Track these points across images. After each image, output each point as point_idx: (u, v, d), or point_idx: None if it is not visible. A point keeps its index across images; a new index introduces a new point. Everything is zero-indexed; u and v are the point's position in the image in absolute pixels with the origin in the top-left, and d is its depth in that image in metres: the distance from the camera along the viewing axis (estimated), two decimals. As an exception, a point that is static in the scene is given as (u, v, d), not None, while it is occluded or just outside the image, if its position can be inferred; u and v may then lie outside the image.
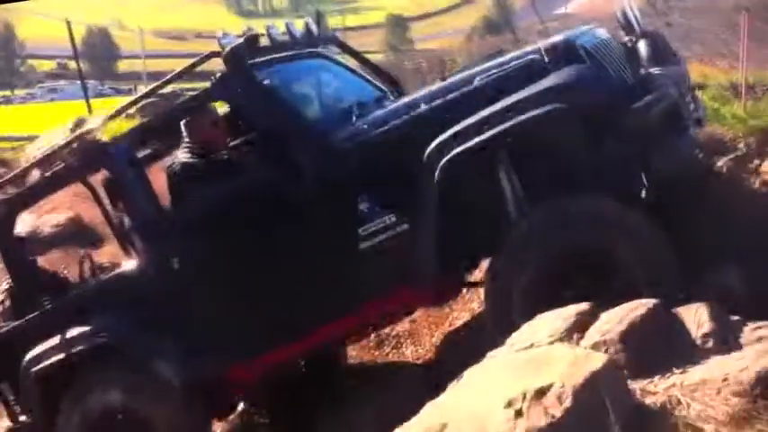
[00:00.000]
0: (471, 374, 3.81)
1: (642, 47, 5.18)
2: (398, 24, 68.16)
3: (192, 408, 5.25)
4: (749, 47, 8.06)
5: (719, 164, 5.75)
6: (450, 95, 4.99)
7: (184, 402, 5.20)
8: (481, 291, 7.13)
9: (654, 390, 3.42)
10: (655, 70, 5.00)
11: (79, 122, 16.04)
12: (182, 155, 5.42)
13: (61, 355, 5.28)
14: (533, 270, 4.62)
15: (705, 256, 4.89)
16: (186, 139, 5.47)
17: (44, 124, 21.52)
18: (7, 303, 5.79)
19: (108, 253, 10.19)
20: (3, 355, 5.55)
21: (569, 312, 4.09)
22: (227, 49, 5.10)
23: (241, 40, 5.17)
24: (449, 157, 4.63)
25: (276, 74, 5.47)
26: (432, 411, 3.62)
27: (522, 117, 4.55)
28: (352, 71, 6.33)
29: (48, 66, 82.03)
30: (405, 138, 4.93)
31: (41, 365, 5.31)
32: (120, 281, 5.50)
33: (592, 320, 3.98)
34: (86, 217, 11.22)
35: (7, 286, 5.89)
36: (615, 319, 3.86)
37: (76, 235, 10.49)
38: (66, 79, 64.47)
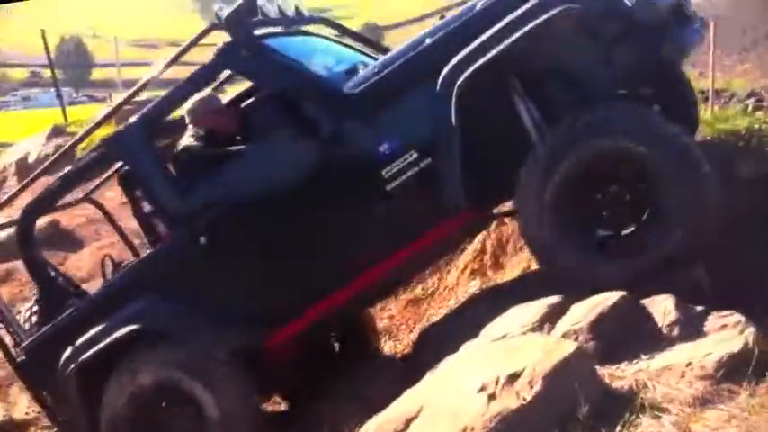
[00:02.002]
0: (447, 364, 3.95)
1: None
2: (373, 33, 68.40)
3: (238, 381, 5.20)
4: (717, 55, 8.29)
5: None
6: (456, 24, 5.04)
7: (230, 375, 5.17)
8: (456, 290, 7.33)
9: (622, 375, 3.57)
10: None
11: (56, 130, 16.09)
12: (187, 140, 5.44)
13: (100, 346, 5.24)
14: (561, 179, 4.57)
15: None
16: (190, 127, 5.50)
17: (18, 132, 21.51)
18: (34, 319, 5.77)
19: (86, 257, 10.27)
20: (39, 360, 5.53)
21: (541, 304, 4.25)
22: (229, 11, 5.10)
23: (239, 4, 5.15)
24: (464, 77, 4.61)
25: (275, 43, 5.45)
26: (409, 398, 3.75)
27: (534, 24, 4.53)
28: (349, 47, 6.35)
29: (21, 75, 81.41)
30: (416, 70, 4.93)
31: (81, 359, 5.28)
32: (150, 265, 5.51)
33: (563, 312, 4.13)
34: (64, 221, 11.30)
35: (34, 303, 5.89)
36: (585, 310, 4.02)
37: (54, 239, 10.56)
38: (39, 87, 64.08)
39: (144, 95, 7.99)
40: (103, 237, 10.89)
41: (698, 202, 4.39)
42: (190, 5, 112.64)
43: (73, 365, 5.31)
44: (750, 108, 7.00)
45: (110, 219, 6.60)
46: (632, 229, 4.64)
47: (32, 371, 5.63)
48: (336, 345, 7.00)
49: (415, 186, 4.88)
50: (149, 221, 5.83)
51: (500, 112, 4.76)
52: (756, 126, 6.00)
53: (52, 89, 25.10)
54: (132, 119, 5.44)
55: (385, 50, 6.31)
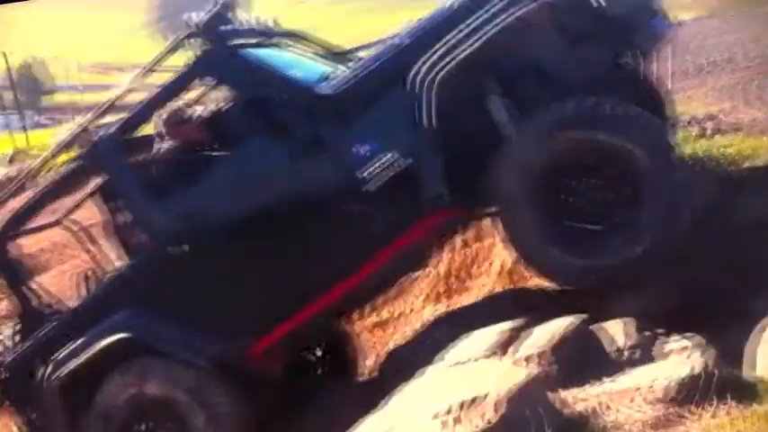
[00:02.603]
0: (411, 388, 3.95)
1: None
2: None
3: (219, 390, 5.21)
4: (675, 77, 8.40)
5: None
6: (430, 23, 5.05)
7: (210, 384, 5.20)
8: (422, 313, 7.32)
9: (583, 397, 3.59)
10: None
11: (17, 153, 15.92)
12: (160, 151, 5.41)
13: (82, 359, 5.23)
14: (536, 171, 4.60)
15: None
16: (165, 136, 5.46)
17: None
18: (18, 338, 5.73)
19: (51, 280, 10.11)
20: (23, 377, 5.51)
21: (503, 328, 4.27)
22: (204, 17, 5.11)
23: (213, 10, 5.15)
24: (441, 73, 4.63)
25: (249, 52, 5.44)
26: (372, 423, 3.74)
27: (506, 20, 4.59)
28: (327, 61, 6.25)
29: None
30: (392, 70, 4.92)
31: (64, 372, 5.26)
32: (130, 275, 5.46)
33: (525, 336, 4.15)
34: (26, 246, 11.11)
35: (17, 320, 5.85)
36: (546, 335, 4.03)
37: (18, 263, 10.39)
38: (-1, 110, 63.37)
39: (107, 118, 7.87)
40: (68, 260, 10.75)
41: (673, 208, 4.47)
42: (152, 26, 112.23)
43: (55, 379, 5.29)
44: (708, 132, 7.08)
45: (87, 236, 6.57)
46: (601, 227, 4.68)
47: (16, 387, 5.59)
48: (316, 360, 6.95)
49: (394, 187, 4.85)
50: (127, 233, 5.75)
51: (477, 109, 4.77)
52: (714, 152, 6.06)
53: (10, 112, 24.79)
54: (108, 129, 5.40)
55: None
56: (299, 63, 5.93)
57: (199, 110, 5.65)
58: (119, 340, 5.19)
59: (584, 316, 4.05)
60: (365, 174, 4.85)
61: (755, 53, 10.08)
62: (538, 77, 4.82)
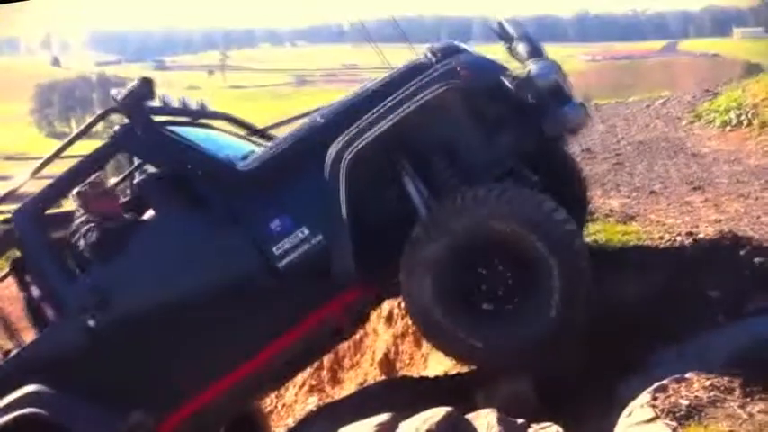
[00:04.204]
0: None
1: (520, 47, 5.41)
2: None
3: None
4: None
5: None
6: (346, 105, 5.15)
7: None
8: (294, 407, 7.15)
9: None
10: (534, 60, 5.22)
11: None
12: (78, 225, 5.32)
13: None
14: (441, 260, 4.62)
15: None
16: (80, 211, 5.38)
17: None
18: None
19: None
20: None
21: (371, 423, 4.13)
22: (126, 91, 5.09)
23: (136, 84, 5.13)
24: (351, 154, 4.66)
25: (173, 130, 5.42)
26: None
27: (418, 101, 4.67)
28: (253, 142, 6.33)
29: None
30: (308, 148, 4.95)
31: None
32: (38, 349, 5.29)
33: (392, 429, 4.03)
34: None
35: None
36: (413, 428, 3.92)
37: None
38: None
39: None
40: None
41: (572, 294, 4.51)
42: (27, 118, 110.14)
43: None
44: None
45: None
46: (508, 306, 4.70)
47: None
48: None
49: (306, 263, 4.84)
50: (39, 307, 5.61)
51: (387, 188, 4.88)
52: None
53: None
54: (25, 201, 5.33)
55: None
56: (220, 141, 5.98)
57: (114, 181, 5.53)
58: (24, 415, 5.01)
59: (448, 408, 3.97)
60: (277, 249, 4.84)
61: (613, 145, 10.55)
62: (449, 159, 4.89)
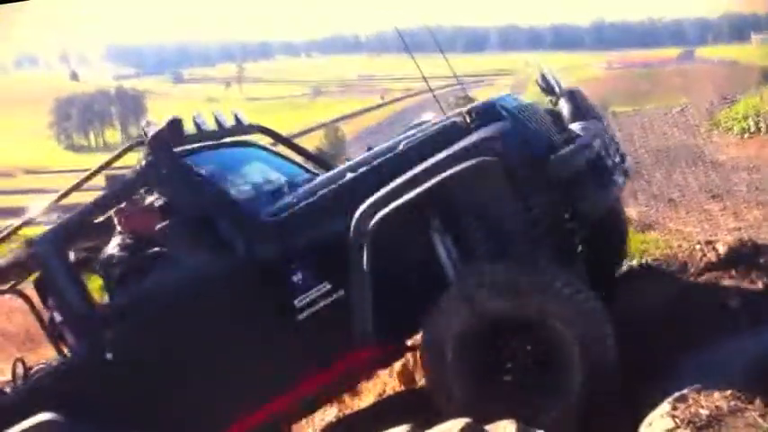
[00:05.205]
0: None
1: (563, 105, 5.29)
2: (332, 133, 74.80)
3: None
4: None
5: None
6: (376, 162, 5.02)
7: None
8: (314, 419, 7.13)
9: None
10: (576, 125, 5.08)
11: None
12: (111, 248, 5.30)
13: None
14: (464, 335, 4.49)
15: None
16: (118, 229, 5.38)
17: None
18: None
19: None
20: None
21: (390, 434, 4.14)
22: (150, 134, 5.08)
23: (164, 125, 5.11)
24: (378, 218, 4.59)
25: (203, 160, 5.44)
26: None
27: (448, 172, 4.54)
28: (283, 157, 6.34)
29: None
30: (333, 205, 4.89)
31: None
32: (58, 375, 5.29)
33: (412, 441, 4.03)
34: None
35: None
36: (433, 439, 3.92)
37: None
38: None
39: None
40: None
41: (595, 371, 4.35)
42: (46, 131, 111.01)
43: None
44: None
45: (31, 307, 6.50)
46: (530, 380, 4.55)
47: None
48: None
49: (326, 318, 4.78)
50: (60, 329, 5.64)
51: (412, 250, 4.77)
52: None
53: None
54: (50, 226, 5.34)
55: (321, 160, 6.49)
56: (259, 165, 6.01)
57: (151, 199, 5.51)
58: None
59: (468, 419, 3.96)
60: (299, 302, 4.79)
61: (631, 153, 10.51)
62: (481, 225, 4.76)
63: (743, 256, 5.42)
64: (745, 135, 10.29)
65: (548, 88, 5.50)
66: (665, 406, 3.78)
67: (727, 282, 5.17)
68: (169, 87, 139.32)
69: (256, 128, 6.32)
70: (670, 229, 6.69)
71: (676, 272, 5.59)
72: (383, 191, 4.68)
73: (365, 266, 4.64)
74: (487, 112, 4.88)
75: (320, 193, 5.01)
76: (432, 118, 5.58)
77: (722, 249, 5.65)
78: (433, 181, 4.57)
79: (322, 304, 4.79)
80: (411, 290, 4.77)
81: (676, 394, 3.85)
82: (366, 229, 4.63)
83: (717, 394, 3.79)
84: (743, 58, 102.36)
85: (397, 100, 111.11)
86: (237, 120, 5.97)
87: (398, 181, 4.67)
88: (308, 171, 6.29)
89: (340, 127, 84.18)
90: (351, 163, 5.27)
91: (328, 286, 4.79)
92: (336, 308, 4.77)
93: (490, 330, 4.50)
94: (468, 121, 4.87)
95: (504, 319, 4.47)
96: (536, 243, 4.69)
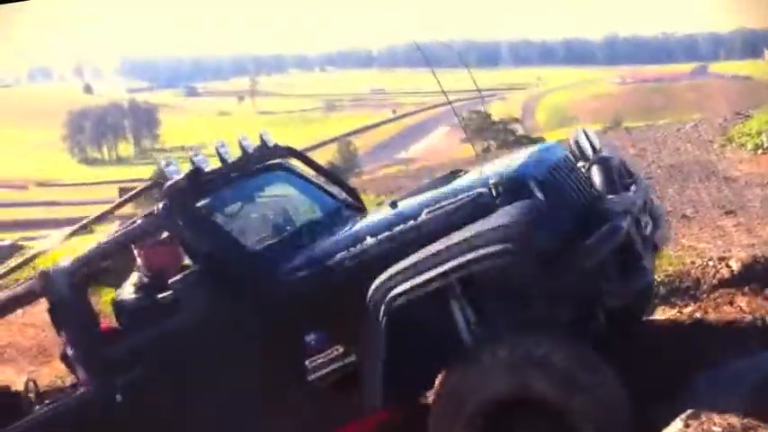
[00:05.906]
0: None
1: (595, 174, 5.14)
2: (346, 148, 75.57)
3: None
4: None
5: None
6: (397, 229, 4.85)
7: None
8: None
9: None
10: (608, 199, 4.93)
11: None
12: (128, 287, 5.30)
13: None
14: (491, 402, 4.38)
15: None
16: (139, 265, 5.35)
17: None
18: None
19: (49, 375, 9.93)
20: None
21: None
22: (167, 186, 5.06)
23: (181, 176, 5.10)
24: (395, 293, 4.47)
25: (225, 196, 5.44)
26: None
27: (472, 255, 4.36)
28: (308, 181, 6.24)
29: None
30: (350, 272, 4.79)
31: None
32: (68, 410, 5.22)
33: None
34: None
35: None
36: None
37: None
38: None
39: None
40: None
41: None
42: (60, 144, 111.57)
43: None
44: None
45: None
46: None
47: None
48: None
49: (336, 381, 4.71)
50: (72, 363, 5.55)
51: (429, 320, 4.62)
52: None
53: None
54: (65, 261, 5.31)
55: (348, 187, 6.41)
56: (284, 197, 5.98)
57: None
58: None
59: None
60: (310, 363, 4.71)
61: (644, 169, 10.49)
62: (500, 300, 4.65)
63: (756, 273, 5.40)
64: (759, 151, 10.25)
65: (580, 153, 5.34)
66: (677, 423, 3.76)
67: (740, 298, 5.14)
68: (182, 101, 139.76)
69: (284, 150, 6.18)
70: (683, 245, 6.64)
71: (689, 288, 5.56)
72: (402, 264, 4.54)
73: (379, 335, 4.53)
74: (516, 186, 4.68)
75: (338, 257, 4.89)
76: (465, 172, 5.47)
77: (735, 266, 5.63)
78: (455, 263, 4.40)
79: (333, 367, 4.71)
80: (424, 356, 4.65)
81: (689, 411, 3.82)
82: (383, 302, 4.52)
83: (729, 411, 3.76)
84: (756, 73, 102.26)
85: (409, 114, 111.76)
86: (263, 142, 5.83)
87: (419, 255, 4.52)
88: (333, 197, 6.19)
89: (352, 141, 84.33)
90: (371, 224, 5.13)
91: (341, 350, 4.72)
92: (347, 372, 4.70)
93: (502, 405, 4.39)
94: (495, 195, 4.67)
95: (519, 396, 4.35)
96: (558, 324, 4.56)
